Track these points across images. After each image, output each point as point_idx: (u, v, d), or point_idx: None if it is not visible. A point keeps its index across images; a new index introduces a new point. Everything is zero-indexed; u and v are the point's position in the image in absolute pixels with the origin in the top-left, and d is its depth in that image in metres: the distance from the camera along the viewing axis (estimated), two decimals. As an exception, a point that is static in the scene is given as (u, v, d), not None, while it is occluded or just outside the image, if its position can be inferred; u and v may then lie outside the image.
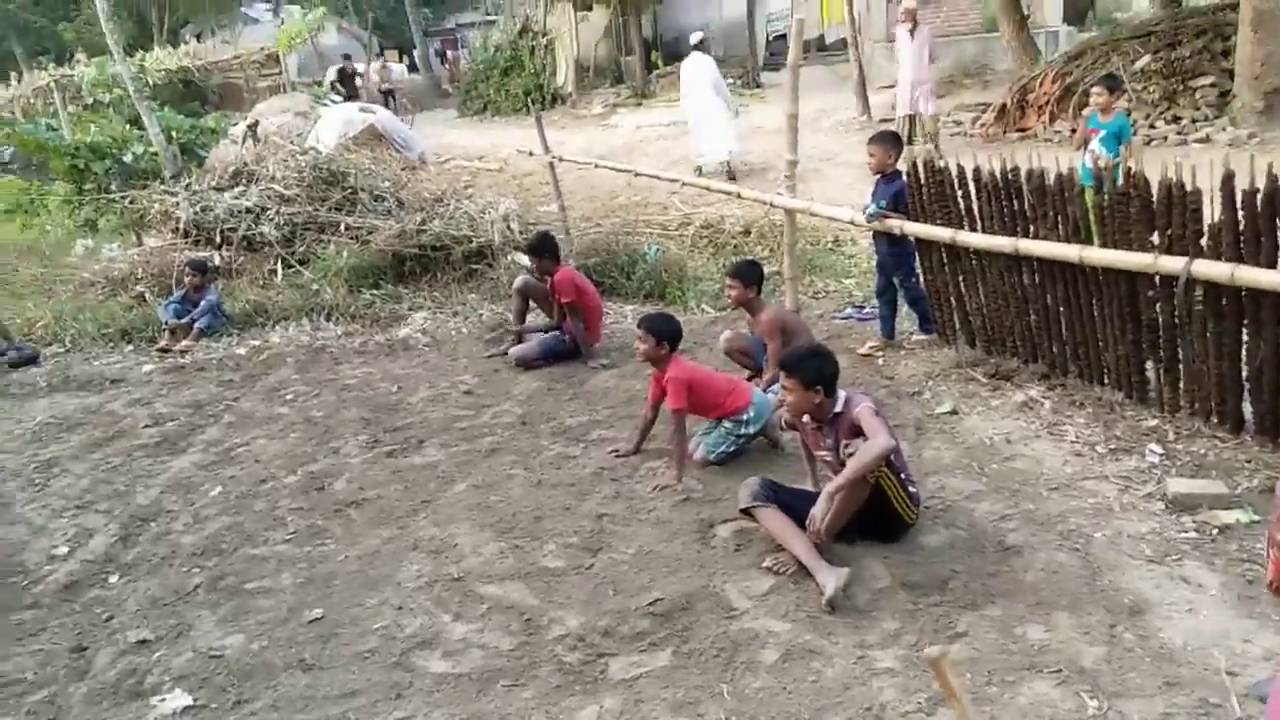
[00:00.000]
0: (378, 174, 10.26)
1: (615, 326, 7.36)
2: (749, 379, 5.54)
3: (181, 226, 9.73)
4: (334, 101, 19.23)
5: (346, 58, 25.11)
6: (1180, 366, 4.54)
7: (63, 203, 13.86)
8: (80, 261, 10.56)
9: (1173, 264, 4.23)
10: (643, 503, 4.48)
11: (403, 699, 3.25)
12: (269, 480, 5.18)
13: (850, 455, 3.67)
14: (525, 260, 7.73)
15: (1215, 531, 3.74)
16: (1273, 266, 3.89)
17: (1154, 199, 4.32)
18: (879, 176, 6.03)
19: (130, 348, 8.09)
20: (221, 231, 9.55)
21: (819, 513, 3.61)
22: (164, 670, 3.53)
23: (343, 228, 9.28)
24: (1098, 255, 4.62)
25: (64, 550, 4.59)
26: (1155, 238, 4.38)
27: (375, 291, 8.49)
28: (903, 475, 3.78)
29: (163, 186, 11.01)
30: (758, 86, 20.92)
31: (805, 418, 4.01)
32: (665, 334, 4.89)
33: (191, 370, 7.34)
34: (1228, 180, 4.00)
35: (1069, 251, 4.75)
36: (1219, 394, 4.37)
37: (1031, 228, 5.00)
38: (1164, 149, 10.78)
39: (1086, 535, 3.81)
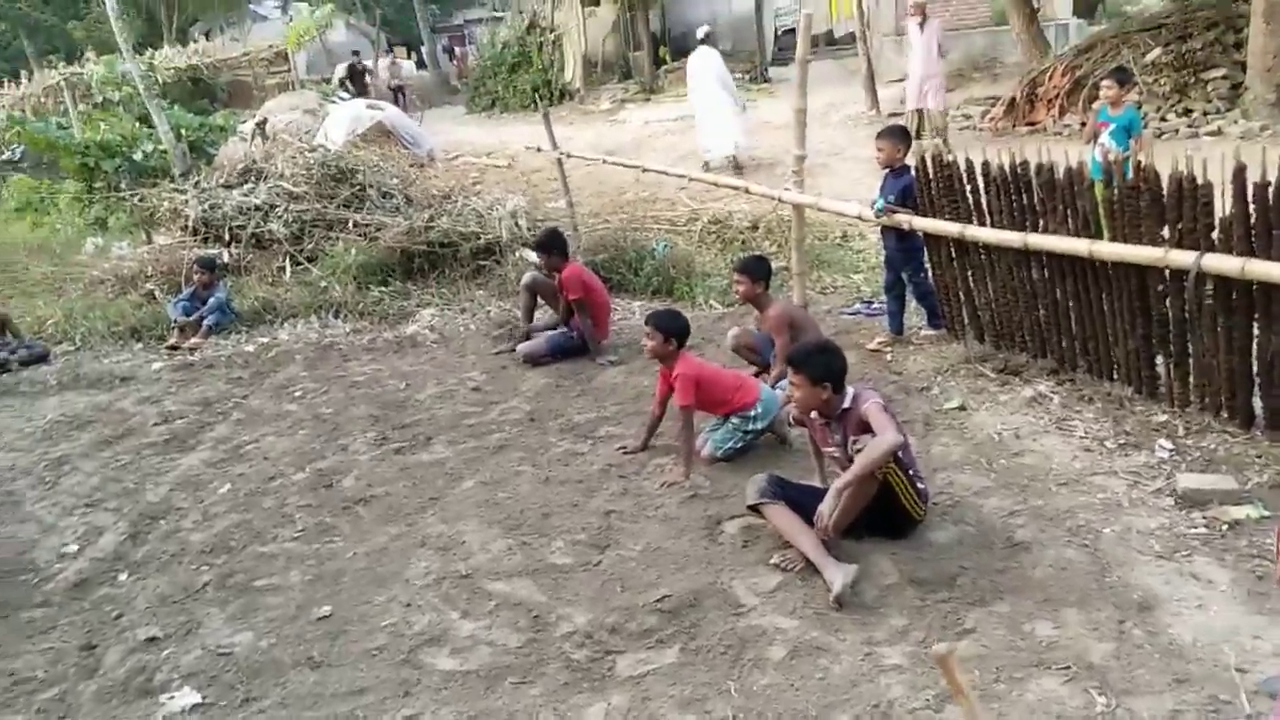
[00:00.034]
0: (386, 171, 10.28)
1: (623, 323, 7.35)
2: (756, 375, 5.53)
3: (190, 224, 9.76)
4: (342, 98, 19.25)
5: (356, 54, 25.15)
6: (1190, 361, 4.51)
7: (73, 201, 13.95)
8: (90, 259, 10.60)
9: (1183, 258, 4.20)
10: (650, 499, 4.48)
11: (411, 696, 3.25)
12: (277, 478, 5.19)
13: (858, 451, 3.66)
14: (533, 257, 7.73)
15: (1225, 527, 3.71)
16: (1284, 260, 3.86)
17: (1164, 193, 4.29)
18: (887, 171, 6.01)
19: (140, 345, 8.12)
20: (230, 229, 9.59)
21: (827, 509, 3.59)
22: (173, 668, 3.55)
23: (351, 225, 9.30)
24: (1107, 249, 4.60)
25: (74, 548, 4.61)
26: (1165, 232, 4.35)
27: (383, 288, 8.50)
28: (911, 471, 3.77)
29: (172, 184, 11.07)
30: (766, 81, 20.86)
31: (813, 414, 4.00)
32: (673, 330, 4.88)
33: (200, 368, 7.36)
34: (1239, 173, 3.96)
35: (1078, 246, 4.72)
36: (1229, 389, 4.34)
37: (1041, 222, 4.98)
38: (1175, 142, 10.71)
39: (1095, 531, 3.79)
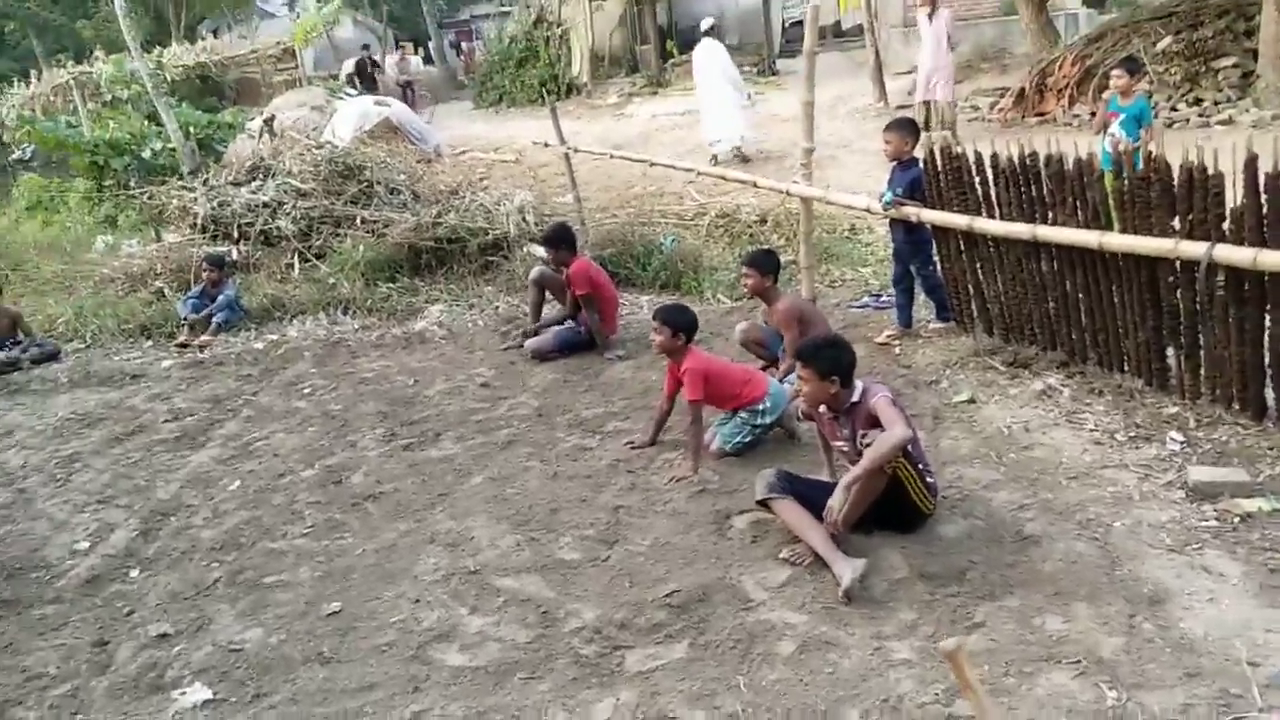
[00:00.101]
0: (393, 167, 10.28)
1: (631, 317, 7.34)
2: (764, 369, 5.52)
3: (199, 222, 9.80)
4: (349, 95, 19.26)
5: (365, 48, 25.12)
6: (1201, 353, 4.48)
7: (82, 199, 14.01)
8: (100, 257, 10.64)
9: (1194, 249, 4.17)
10: (659, 494, 4.47)
11: (420, 692, 3.26)
12: (287, 474, 5.21)
13: (867, 445, 3.65)
14: (540, 252, 7.74)
15: (1237, 520, 3.69)
16: (1296, 251, 3.83)
17: (1175, 183, 4.25)
18: (895, 163, 5.98)
19: (149, 343, 8.16)
20: (239, 226, 9.62)
21: (836, 504, 3.58)
22: (184, 664, 3.57)
23: (359, 221, 9.31)
24: (1117, 241, 4.57)
25: (85, 545, 4.64)
26: (1176, 222, 4.31)
27: (391, 285, 8.52)
28: (920, 465, 3.76)
29: (181, 182, 11.10)
30: (774, 74, 20.79)
31: (822, 408, 3.98)
32: (681, 325, 4.87)
33: (210, 365, 7.39)
34: (1251, 163, 3.92)
35: (1088, 237, 4.69)
36: (1241, 380, 4.31)
37: (1050, 213, 4.95)
38: (1186, 131, 10.63)
39: (1106, 524, 3.78)
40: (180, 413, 6.36)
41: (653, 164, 9.04)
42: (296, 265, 9.17)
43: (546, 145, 9.50)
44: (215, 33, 31.31)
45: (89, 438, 6.08)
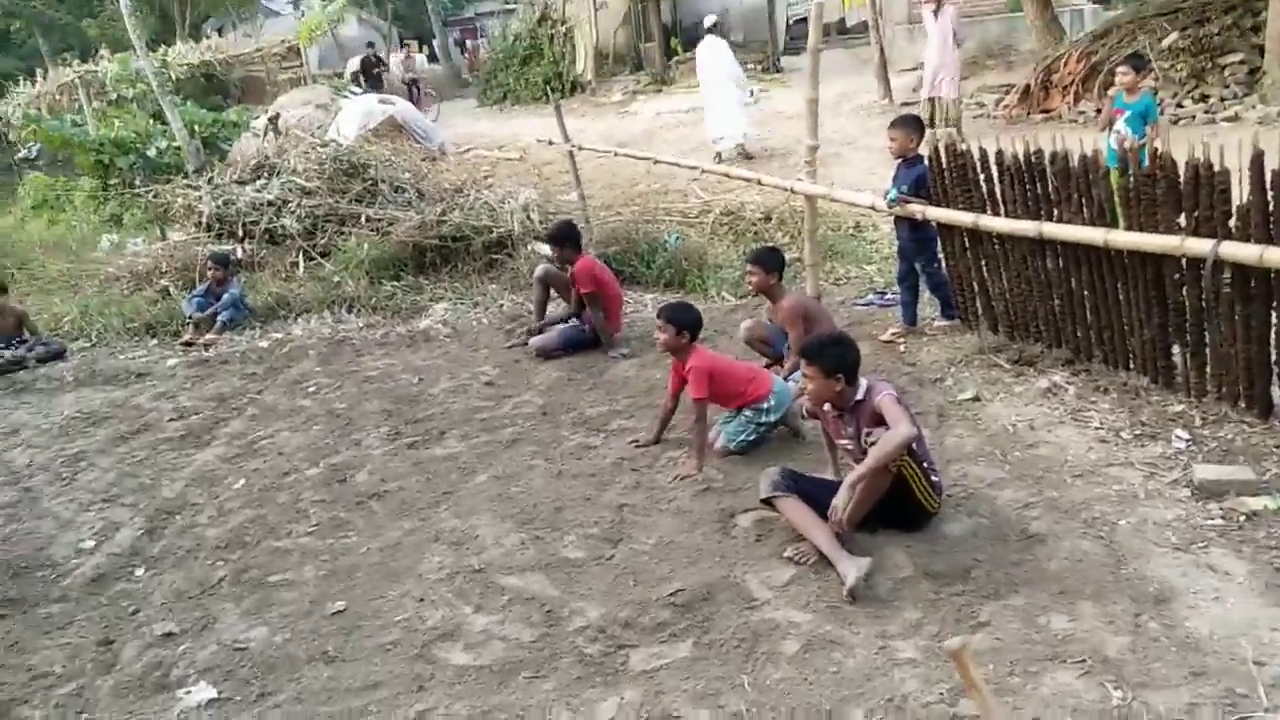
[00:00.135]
0: (398, 165, 10.30)
1: (635, 315, 7.34)
2: (768, 367, 5.52)
3: (204, 220, 9.82)
4: (354, 93, 19.27)
5: (370, 46, 25.11)
6: (1207, 350, 4.47)
7: (88, 198, 14.05)
8: (105, 256, 10.68)
9: (1200, 246, 4.15)
10: (663, 493, 4.47)
11: (424, 691, 3.26)
12: (292, 473, 5.22)
13: (872, 444, 3.64)
14: (545, 250, 7.73)
15: (1242, 518, 3.68)
16: (1303, 248, 3.81)
17: (1181, 180, 4.24)
18: (900, 161, 5.98)
19: (155, 342, 8.18)
20: (244, 225, 9.63)
21: (840, 502, 3.58)
22: (189, 663, 3.57)
23: (363, 219, 9.32)
24: (1123, 238, 4.55)
25: (91, 544, 4.65)
26: (1182, 219, 4.30)
27: (396, 283, 8.53)
28: (925, 464, 3.75)
29: (185, 180, 11.13)
30: (778, 71, 20.75)
31: (826, 406, 3.98)
32: (685, 323, 4.87)
33: (215, 363, 7.40)
34: (1257, 159, 3.91)
35: (1094, 235, 4.68)
36: (1247, 378, 4.29)
37: (1055, 211, 4.93)
38: (1192, 128, 10.60)
39: (1111, 523, 3.77)
40: (185, 411, 6.37)
41: (657, 162, 9.04)
42: (301, 264, 9.18)
43: (551, 143, 9.48)
44: (220, 31, 31.37)
45: (94, 436, 6.09)
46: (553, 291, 7.13)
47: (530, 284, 7.49)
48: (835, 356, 3.83)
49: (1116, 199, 4.64)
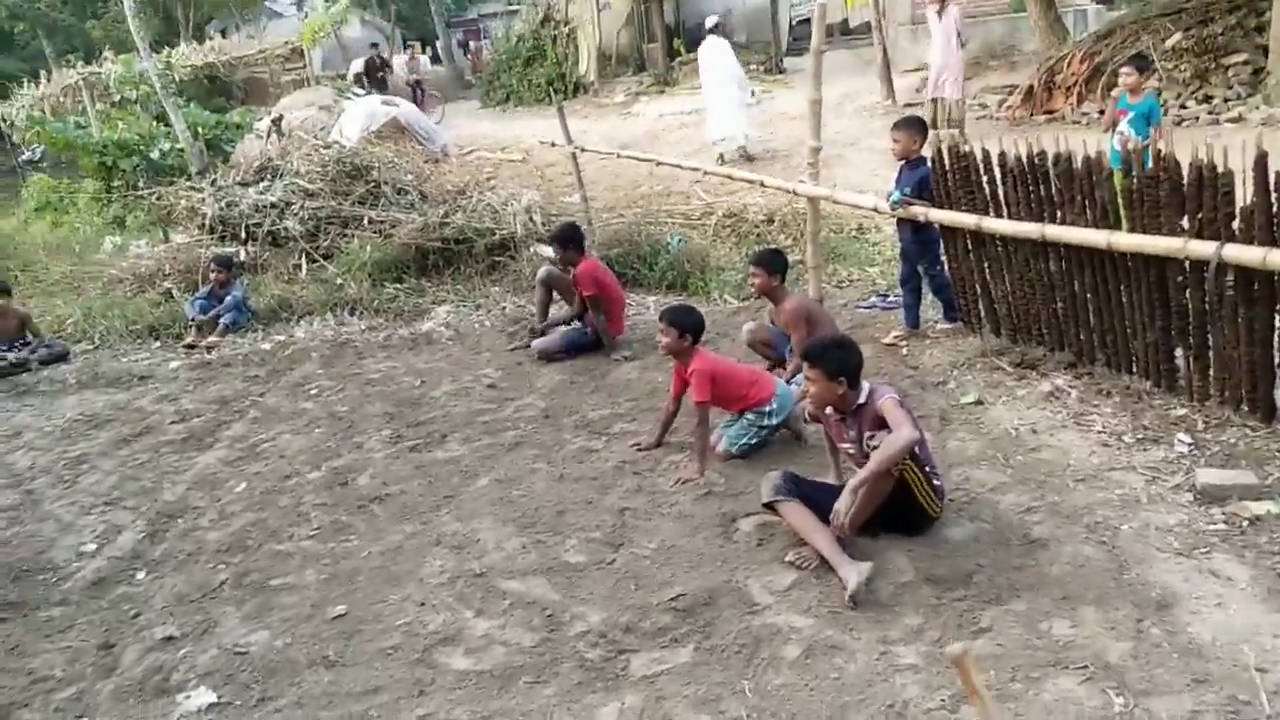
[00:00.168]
0: (401, 167, 10.32)
1: (637, 318, 7.33)
2: (771, 370, 5.50)
3: (207, 222, 9.84)
4: (357, 94, 19.28)
5: (374, 47, 25.12)
6: (1210, 354, 4.45)
7: (91, 200, 14.09)
8: (108, 258, 10.70)
9: (1203, 248, 4.13)
10: (665, 497, 4.46)
11: (425, 696, 3.26)
12: (293, 476, 5.21)
13: (874, 448, 3.63)
14: (548, 252, 7.73)
15: (1245, 523, 3.66)
16: (1306, 251, 3.79)
17: (1184, 181, 4.22)
18: (903, 162, 5.96)
19: (157, 344, 8.19)
20: (246, 227, 9.66)
21: (842, 507, 3.57)
22: (190, 667, 3.57)
23: (366, 222, 9.33)
24: (1126, 240, 4.53)
25: (92, 547, 4.65)
26: (1185, 222, 4.28)
27: (398, 285, 8.53)
28: (927, 468, 3.73)
29: (189, 182, 11.15)
30: (781, 72, 20.72)
31: (829, 409, 3.97)
32: (687, 326, 4.86)
33: (217, 366, 7.41)
34: (1261, 161, 3.89)
35: (1097, 237, 4.66)
36: (1250, 382, 4.27)
37: (1058, 213, 4.92)
38: (1195, 129, 10.57)
39: (1113, 527, 3.75)
40: (187, 414, 6.37)
41: (659, 163, 9.03)
42: (304, 266, 9.19)
43: (553, 145, 9.48)
44: (223, 33, 31.38)
45: (96, 439, 6.10)
46: (555, 294, 7.12)
47: (532, 286, 7.49)
48: (838, 359, 3.82)
49: (1120, 201, 4.62)
